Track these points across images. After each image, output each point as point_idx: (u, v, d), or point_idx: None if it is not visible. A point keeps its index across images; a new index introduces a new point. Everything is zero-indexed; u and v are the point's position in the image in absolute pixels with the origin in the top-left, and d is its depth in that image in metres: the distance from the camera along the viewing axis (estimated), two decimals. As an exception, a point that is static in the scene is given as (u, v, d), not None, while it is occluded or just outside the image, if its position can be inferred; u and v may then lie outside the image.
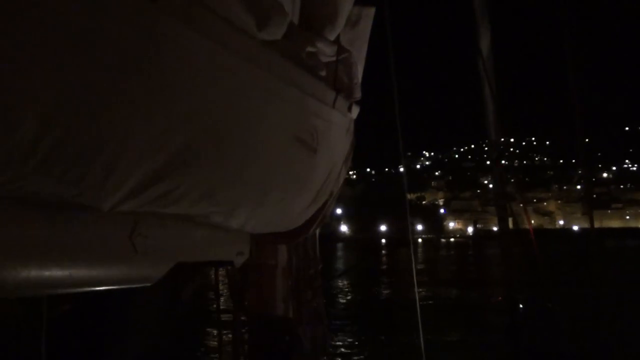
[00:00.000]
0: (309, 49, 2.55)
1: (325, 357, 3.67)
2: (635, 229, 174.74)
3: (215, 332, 3.31)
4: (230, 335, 3.22)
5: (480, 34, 4.55)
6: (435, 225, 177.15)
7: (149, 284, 2.20)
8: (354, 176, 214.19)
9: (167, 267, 2.22)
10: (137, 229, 1.97)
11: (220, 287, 3.00)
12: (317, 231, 3.46)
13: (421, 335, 4.47)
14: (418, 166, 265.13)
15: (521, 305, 4.55)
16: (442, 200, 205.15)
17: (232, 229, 2.53)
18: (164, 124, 1.64)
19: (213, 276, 2.98)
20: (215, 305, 3.00)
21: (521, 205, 5.28)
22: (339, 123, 2.87)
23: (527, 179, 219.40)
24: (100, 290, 2.10)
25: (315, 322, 3.56)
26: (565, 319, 4.56)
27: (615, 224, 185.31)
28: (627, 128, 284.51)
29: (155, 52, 1.52)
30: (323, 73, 2.67)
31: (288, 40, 2.29)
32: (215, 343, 3.24)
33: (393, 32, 3.97)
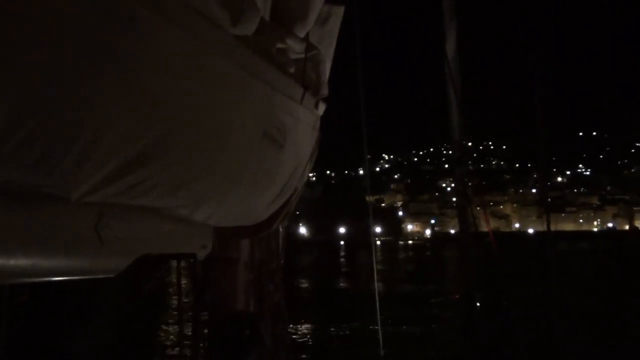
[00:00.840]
0: (279, 45, 2.58)
1: (285, 352, 3.69)
2: (588, 232, 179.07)
3: (175, 325, 3.30)
4: (190, 329, 3.22)
5: (447, 37, 4.63)
6: (394, 227, 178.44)
7: (112, 275, 2.20)
8: (314, 178, 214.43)
9: (130, 259, 2.21)
10: (103, 220, 1.96)
11: (182, 281, 3.01)
12: (281, 226, 3.48)
13: (379, 325, 4.54)
14: (377, 169, 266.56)
15: (478, 304, 4.65)
16: (400, 202, 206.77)
17: (197, 222, 2.53)
18: (136, 116, 1.64)
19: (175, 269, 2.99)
20: (176, 298, 3.00)
21: (479, 208, 5.37)
22: (305, 119, 2.90)
23: (484, 182, 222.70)
24: (62, 280, 2.08)
25: (276, 317, 3.58)
26: (519, 317, 4.68)
27: (569, 227, 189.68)
28: (580, 133, 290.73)
29: (129, 44, 1.51)
30: (292, 70, 2.70)
31: (259, 36, 2.32)
32: (175, 336, 3.24)
33: (359, 32, 4.02)
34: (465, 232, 4.81)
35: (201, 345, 3.28)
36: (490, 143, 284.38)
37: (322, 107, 3.12)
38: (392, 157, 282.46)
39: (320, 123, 3.21)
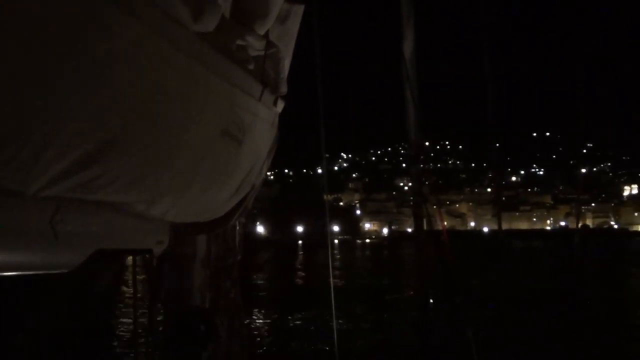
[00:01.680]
0: (239, 42, 2.59)
1: (241, 346, 3.71)
2: (541, 231, 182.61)
3: (130, 319, 3.29)
4: (146, 324, 3.22)
5: (405, 37, 4.68)
6: (351, 226, 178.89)
7: (67, 270, 2.19)
8: (272, 177, 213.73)
9: (86, 254, 2.21)
10: (58, 215, 1.95)
11: (139, 276, 3.00)
12: (238, 223, 3.50)
13: (334, 316, 4.59)
14: (336, 168, 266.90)
15: (431, 300, 4.73)
16: (358, 201, 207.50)
17: (153, 217, 2.53)
18: (94, 110, 1.64)
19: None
20: (132, 293, 2.99)
21: (435, 206, 5.45)
22: (264, 116, 2.92)
23: (440, 181, 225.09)
24: (17, 275, 2.07)
25: (232, 312, 3.59)
26: (470, 313, 4.78)
27: (522, 225, 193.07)
28: (534, 134, 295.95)
29: (89, 37, 1.51)
30: (251, 67, 2.71)
31: (220, 32, 2.32)
32: (131, 331, 3.23)
33: (318, 31, 4.04)
34: (420, 230, 4.88)
35: (157, 340, 3.28)
36: (447, 143, 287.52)
37: (280, 105, 3.14)
38: (350, 156, 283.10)
39: (278, 120, 3.23)
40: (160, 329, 3.42)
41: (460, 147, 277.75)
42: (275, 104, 3.04)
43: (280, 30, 3.15)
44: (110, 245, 2.46)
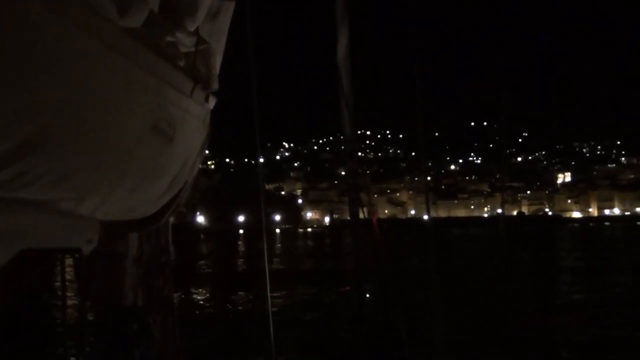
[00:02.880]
0: (169, 38, 2.55)
1: (174, 345, 3.68)
2: (479, 218, 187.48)
3: (60, 320, 3.23)
4: (76, 324, 3.16)
5: (339, 36, 4.69)
6: (293, 215, 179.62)
7: None
8: (212, 166, 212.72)
9: (11, 254, 2.15)
10: None
11: (68, 275, 2.94)
12: (170, 220, 3.46)
13: (270, 313, 4.62)
14: (278, 157, 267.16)
15: (368, 295, 4.79)
16: (300, 190, 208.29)
17: (82, 215, 2.48)
18: (17, 105, 1.60)
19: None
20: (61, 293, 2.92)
21: (370, 196, 5.52)
22: (195, 113, 2.90)
23: (381, 170, 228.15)
24: None
25: (165, 310, 3.56)
26: (402, 306, 4.86)
27: (461, 213, 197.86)
28: (472, 123, 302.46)
29: (10, 31, 1.48)
30: (181, 63, 2.68)
31: (148, 28, 2.29)
32: (61, 332, 3.18)
33: (254, 24, 4.02)
34: (356, 226, 4.93)
35: (88, 340, 3.22)
36: (387, 132, 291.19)
37: (212, 101, 3.12)
38: (292, 145, 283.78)
39: (210, 117, 3.21)
40: (92, 328, 3.36)
41: (401, 136, 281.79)
42: (207, 100, 3.02)
43: (211, 27, 3.12)
44: (37, 244, 2.40)
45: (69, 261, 2.92)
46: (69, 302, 3.39)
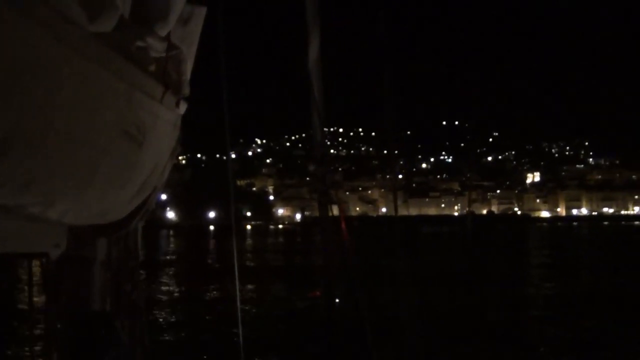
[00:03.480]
0: (139, 43, 2.53)
1: (142, 350, 3.65)
2: (449, 216, 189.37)
3: (27, 325, 3.20)
4: (43, 329, 3.13)
5: (310, 40, 4.70)
6: (264, 211, 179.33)
7: None
8: (183, 161, 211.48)
9: None
10: None
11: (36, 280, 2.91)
12: (139, 225, 3.43)
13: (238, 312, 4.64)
14: (250, 153, 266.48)
15: (337, 300, 4.80)
16: (271, 187, 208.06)
17: (49, 220, 2.46)
18: None
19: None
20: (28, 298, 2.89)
21: (339, 194, 5.55)
22: (166, 118, 2.88)
23: (353, 167, 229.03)
24: None
25: (133, 316, 3.54)
26: (368, 309, 4.89)
27: (432, 211, 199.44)
28: (444, 122, 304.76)
29: None
30: (152, 68, 2.66)
31: (118, 33, 2.27)
32: (28, 337, 3.14)
33: (226, 25, 4.00)
34: (326, 234, 4.94)
35: (55, 346, 3.19)
36: (360, 129, 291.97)
37: (183, 106, 3.10)
38: (264, 141, 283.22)
39: (181, 121, 3.19)
40: (59, 334, 3.32)
41: (373, 134, 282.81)
42: (177, 105, 3.00)
43: (182, 32, 3.10)
44: (3, 249, 2.38)
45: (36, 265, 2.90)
46: (37, 307, 3.34)
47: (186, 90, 3.10)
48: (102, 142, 2.30)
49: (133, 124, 2.47)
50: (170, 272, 43.25)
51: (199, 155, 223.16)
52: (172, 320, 24.33)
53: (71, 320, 3.29)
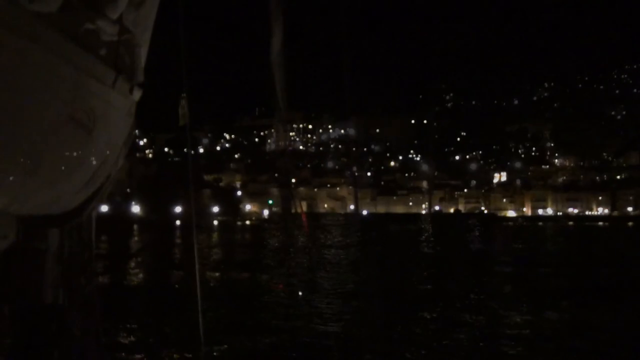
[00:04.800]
0: (88, 26, 2.44)
1: (96, 344, 3.56)
2: (417, 214, 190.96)
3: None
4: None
5: (273, 31, 4.67)
6: (232, 207, 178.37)
7: None
8: (150, 155, 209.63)
9: None
10: None
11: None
12: (94, 214, 3.34)
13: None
14: (218, 148, 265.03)
15: (300, 293, 4.77)
16: (239, 182, 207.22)
17: None
18: None
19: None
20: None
21: (316, 189, 5.53)
22: (118, 105, 2.80)
23: (322, 164, 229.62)
24: None
25: (86, 309, 3.45)
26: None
27: (399, 209, 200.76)
28: (412, 121, 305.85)
29: None
30: (103, 52, 2.57)
31: (64, 14, 2.19)
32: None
33: (188, 16, 3.92)
34: (286, 230, 4.92)
35: (5, 341, 3.10)
36: (329, 126, 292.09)
37: (137, 93, 3.01)
38: (233, 136, 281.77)
39: (136, 108, 3.10)
40: (9, 328, 3.22)
41: (342, 131, 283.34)
42: (131, 92, 2.92)
43: (136, 16, 3.00)
44: None
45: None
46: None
47: (140, 77, 3.01)
48: (47, 129, 2.23)
49: (81, 109, 2.39)
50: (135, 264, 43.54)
51: (165, 149, 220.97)
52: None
53: (21, 315, 3.20)
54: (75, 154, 2.53)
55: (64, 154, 2.45)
